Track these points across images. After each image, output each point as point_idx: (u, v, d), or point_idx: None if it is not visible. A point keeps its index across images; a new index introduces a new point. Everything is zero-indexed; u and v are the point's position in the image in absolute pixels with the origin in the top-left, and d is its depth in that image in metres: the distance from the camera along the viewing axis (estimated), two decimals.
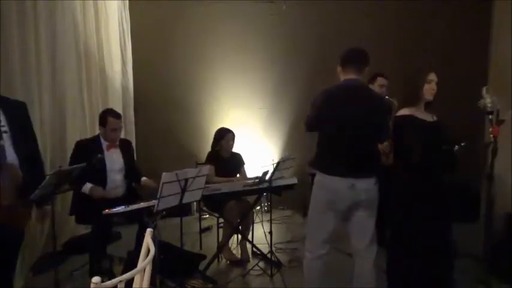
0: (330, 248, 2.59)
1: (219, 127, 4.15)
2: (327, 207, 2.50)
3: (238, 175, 4.09)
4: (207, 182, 3.73)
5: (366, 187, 2.45)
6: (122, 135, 4.74)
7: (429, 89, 2.56)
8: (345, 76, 2.56)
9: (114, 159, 3.38)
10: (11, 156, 2.29)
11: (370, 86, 3.92)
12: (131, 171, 3.52)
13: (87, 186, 3.17)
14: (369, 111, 2.46)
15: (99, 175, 3.25)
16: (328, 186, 2.47)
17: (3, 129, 2.25)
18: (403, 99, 2.66)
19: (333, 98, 2.49)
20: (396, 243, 2.62)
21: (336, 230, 2.56)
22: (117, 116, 3.40)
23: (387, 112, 2.52)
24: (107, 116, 3.35)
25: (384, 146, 3.71)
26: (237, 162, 4.08)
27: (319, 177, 2.55)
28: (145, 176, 3.53)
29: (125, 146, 3.53)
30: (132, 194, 3.45)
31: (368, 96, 2.58)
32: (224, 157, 3.97)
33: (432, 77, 2.57)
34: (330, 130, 2.49)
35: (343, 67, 2.57)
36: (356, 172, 2.43)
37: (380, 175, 2.52)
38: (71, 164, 3.14)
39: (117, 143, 3.45)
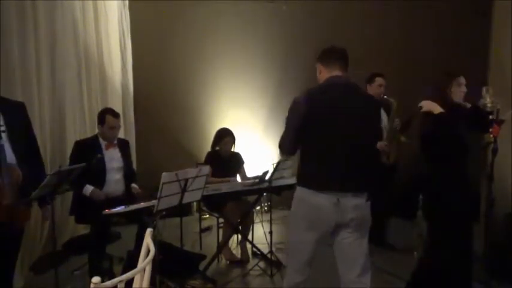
0: (309, 274, 2.25)
1: (219, 127, 4.16)
2: (307, 226, 2.14)
3: (238, 175, 4.10)
4: None
5: (355, 204, 2.10)
6: (122, 135, 4.76)
7: (460, 92, 2.59)
8: (329, 74, 2.20)
9: (113, 159, 3.39)
10: (8, 155, 2.30)
11: (369, 86, 3.93)
12: (128, 171, 3.53)
13: (88, 189, 3.18)
14: (362, 112, 2.13)
15: (99, 175, 3.26)
16: (309, 203, 2.12)
17: (1, 128, 2.25)
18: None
19: (318, 99, 2.13)
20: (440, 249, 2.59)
21: (315, 253, 2.23)
22: (115, 114, 3.42)
23: (380, 114, 2.32)
24: (106, 114, 3.37)
25: (382, 146, 3.73)
26: (236, 161, 4.07)
27: (299, 193, 2.18)
28: (145, 176, 3.53)
29: (123, 146, 3.54)
30: (131, 193, 3.45)
31: (360, 95, 2.24)
32: (223, 157, 3.97)
33: (462, 80, 2.60)
34: (317, 136, 2.11)
35: (326, 64, 2.21)
36: (344, 185, 2.07)
37: (375, 189, 2.25)
38: (70, 163, 3.15)
39: (116, 142, 3.46)
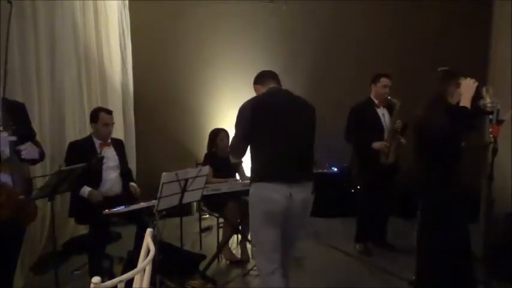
0: (279, 260, 2.40)
1: (219, 127, 4.17)
2: (265, 219, 2.33)
3: (237, 174, 4.10)
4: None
5: (303, 198, 2.34)
6: (122, 135, 4.76)
7: (458, 94, 2.52)
8: (267, 87, 2.55)
9: (108, 158, 3.40)
10: None
11: (373, 86, 3.91)
12: (124, 170, 3.54)
13: (85, 191, 3.18)
14: (301, 111, 2.47)
15: (96, 174, 3.26)
16: (264, 197, 2.31)
17: (1, 128, 2.26)
18: (427, 102, 2.59)
19: (263, 103, 2.43)
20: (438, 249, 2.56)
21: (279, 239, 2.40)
22: (108, 111, 3.45)
23: (314, 114, 2.52)
24: (99, 112, 3.41)
25: (382, 146, 3.73)
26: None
27: (254, 189, 2.38)
28: (145, 176, 3.53)
29: (117, 145, 3.55)
30: (130, 192, 3.46)
31: (297, 98, 2.55)
32: (221, 157, 3.96)
33: (461, 81, 2.56)
34: (265, 135, 2.36)
35: (262, 83, 2.58)
36: (293, 175, 2.32)
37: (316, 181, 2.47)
38: (66, 165, 3.14)
39: (110, 141, 3.47)
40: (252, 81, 2.67)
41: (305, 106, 2.52)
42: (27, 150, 2.33)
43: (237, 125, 2.45)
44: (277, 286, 2.37)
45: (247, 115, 2.37)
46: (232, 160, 2.70)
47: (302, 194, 2.35)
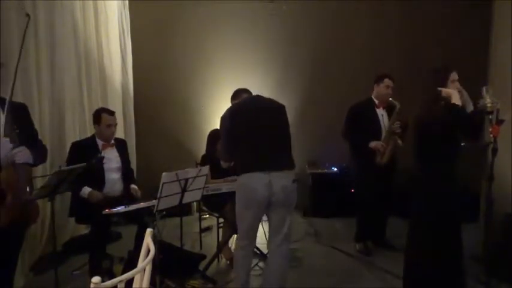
0: (254, 240, 2.77)
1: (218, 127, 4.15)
2: (246, 205, 2.63)
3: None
4: None
5: (283, 185, 2.58)
6: (122, 135, 4.76)
7: (454, 88, 2.52)
8: (241, 97, 2.96)
9: (111, 159, 3.39)
10: None
11: (376, 86, 3.90)
12: (126, 171, 3.53)
13: (85, 191, 3.18)
14: (273, 110, 2.80)
15: (97, 175, 3.26)
16: (247, 186, 2.59)
17: (1, 130, 2.26)
18: (426, 101, 2.59)
19: (240, 108, 2.78)
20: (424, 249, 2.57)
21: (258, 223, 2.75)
22: (111, 112, 3.44)
23: (285, 112, 2.83)
24: (101, 113, 3.39)
25: (378, 145, 3.73)
26: None
27: (239, 180, 2.67)
28: (145, 176, 3.53)
29: (120, 145, 3.54)
30: (130, 193, 3.45)
31: (268, 99, 2.87)
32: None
33: (455, 76, 2.56)
34: (245, 135, 2.67)
35: (239, 97, 2.98)
36: (272, 165, 2.59)
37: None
38: (68, 165, 3.15)
39: (113, 141, 3.46)
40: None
41: (274, 105, 2.84)
42: (19, 155, 2.26)
43: (221, 133, 2.79)
44: (240, 260, 2.73)
45: (227, 121, 2.70)
46: (224, 166, 2.94)
47: (282, 180, 2.59)
